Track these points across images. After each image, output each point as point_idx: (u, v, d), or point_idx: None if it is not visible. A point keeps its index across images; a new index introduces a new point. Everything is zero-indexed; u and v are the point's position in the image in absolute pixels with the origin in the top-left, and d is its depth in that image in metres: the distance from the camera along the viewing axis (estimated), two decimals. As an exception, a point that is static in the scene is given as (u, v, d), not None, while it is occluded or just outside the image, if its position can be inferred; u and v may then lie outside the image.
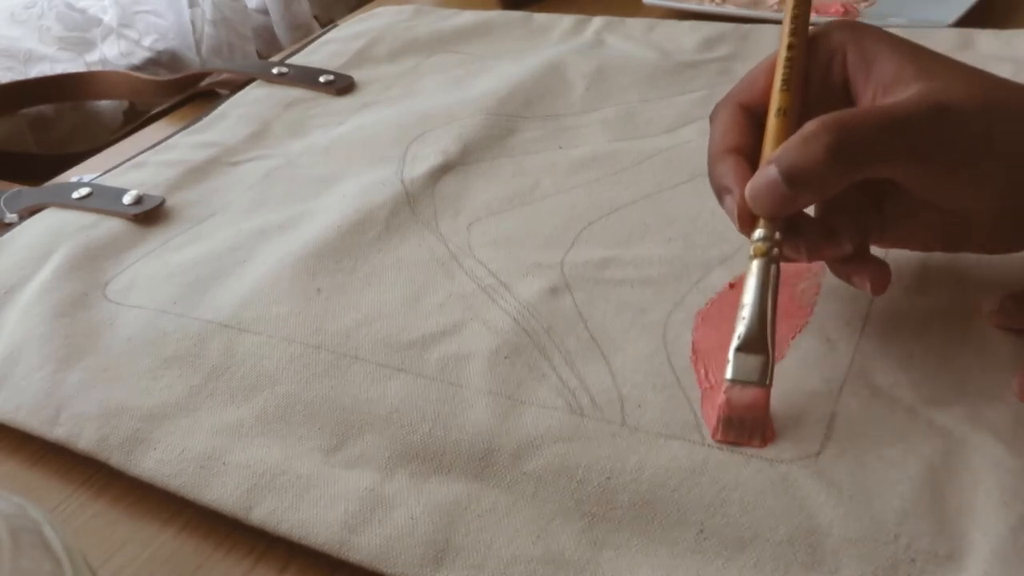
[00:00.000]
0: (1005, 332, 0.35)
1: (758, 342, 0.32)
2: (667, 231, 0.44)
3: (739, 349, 0.32)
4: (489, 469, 0.33)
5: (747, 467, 0.31)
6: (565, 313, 0.39)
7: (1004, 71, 0.47)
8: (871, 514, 0.29)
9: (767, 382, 0.32)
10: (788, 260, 0.34)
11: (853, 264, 0.35)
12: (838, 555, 0.28)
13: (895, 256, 0.39)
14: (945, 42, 0.56)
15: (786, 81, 0.34)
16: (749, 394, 0.32)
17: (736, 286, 0.39)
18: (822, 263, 0.40)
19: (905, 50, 0.33)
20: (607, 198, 0.47)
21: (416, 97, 0.61)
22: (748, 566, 0.29)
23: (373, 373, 0.37)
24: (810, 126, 0.31)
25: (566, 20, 0.69)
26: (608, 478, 0.32)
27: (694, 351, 0.36)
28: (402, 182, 0.50)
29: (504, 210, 0.47)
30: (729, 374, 0.32)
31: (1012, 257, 0.38)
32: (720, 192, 0.34)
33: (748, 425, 0.32)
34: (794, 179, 0.31)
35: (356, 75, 0.64)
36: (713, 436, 0.33)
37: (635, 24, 0.67)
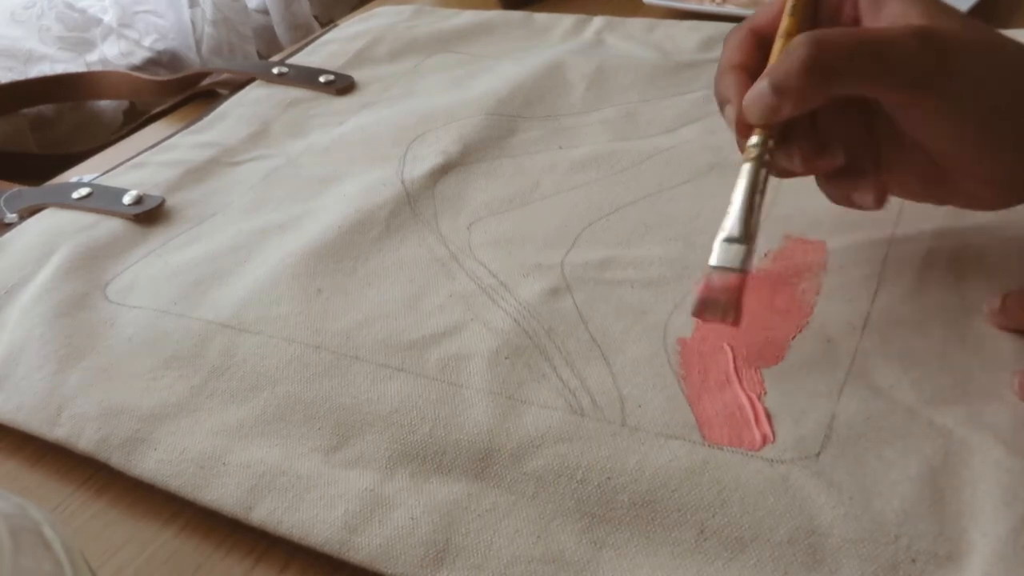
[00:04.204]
0: (1005, 332, 0.35)
1: (742, 232, 0.34)
2: (667, 231, 0.44)
3: (725, 240, 0.34)
4: (489, 469, 0.33)
5: (747, 467, 0.31)
6: (565, 314, 0.39)
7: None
8: (871, 514, 0.29)
9: (744, 268, 0.34)
10: (785, 173, 0.37)
11: (851, 180, 0.36)
12: (838, 555, 0.28)
13: (896, 258, 0.39)
14: (945, 42, 0.56)
15: (794, 7, 0.36)
16: (727, 277, 0.34)
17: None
18: (824, 263, 0.40)
19: None
20: (607, 198, 0.47)
21: (416, 97, 0.61)
22: (748, 566, 0.29)
23: (373, 373, 0.37)
24: (796, 39, 0.33)
25: (566, 20, 0.69)
26: (608, 478, 0.32)
27: (691, 352, 0.36)
28: (402, 182, 0.50)
29: (504, 210, 0.47)
30: (713, 260, 0.34)
31: (1012, 257, 0.38)
32: (722, 102, 0.37)
33: (722, 306, 0.34)
34: (776, 88, 0.33)
35: (356, 75, 0.64)
36: (693, 313, 0.35)
37: (635, 24, 0.67)
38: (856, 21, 0.36)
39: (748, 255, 0.34)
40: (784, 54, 0.33)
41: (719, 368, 0.35)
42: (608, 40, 0.65)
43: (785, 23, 0.36)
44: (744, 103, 0.34)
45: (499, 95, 0.57)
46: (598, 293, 0.40)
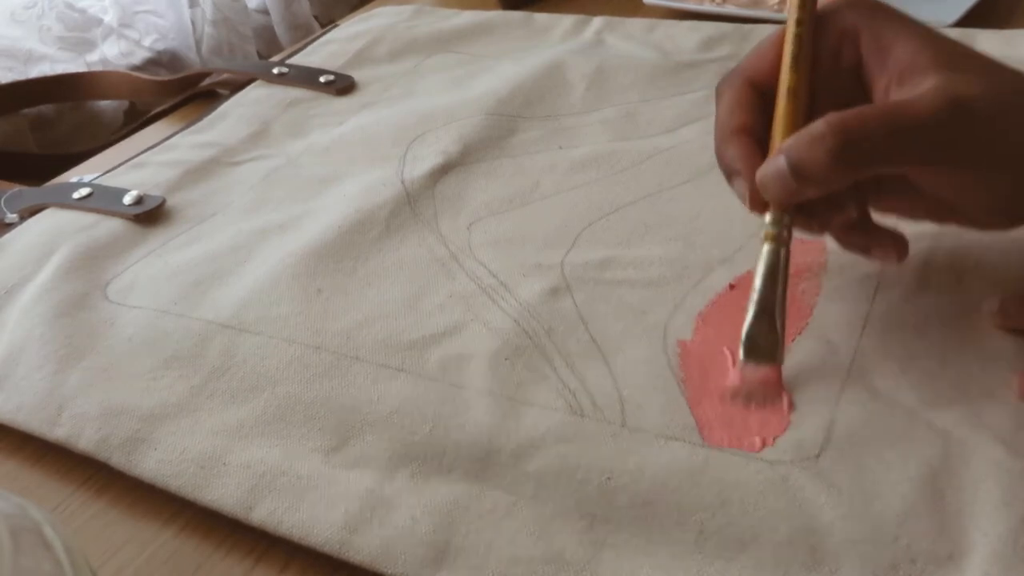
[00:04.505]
0: (1005, 332, 0.35)
1: (768, 325, 0.33)
2: (667, 231, 0.44)
3: (751, 331, 0.34)
4: (489, 470, 0.33)
5: (747, 468, 0.31)
6: (565, 314, 0.39)
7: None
8: (871, 515, 0.29)
9: (777, 360, 0.34)
10: (800, 230, 0.35)
11: (867, 236, 0.36)
12: (838, 556, 0.28)
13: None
14: (945, 42, 0.56)
15: (795, 58, 0.34)
16: (761, 371, 0.34)
17: (736, 287, 0.39)
18: (824, 263, 0.40)
19: (923, 36, 0.33)
20: (607, 198, 0.47)
21: (416, 97, 0.61)
22: (748, 567, 0.29)
23: (373, 374, 0.37)
24: (817, 126, 0.31)
25: (566, 20, 0.69)
26: (608, 479, 0.32)
27: (691, 353, 0.36)
28: (402, 182, 0.50)
29: (504, 210, 0.47)
30: (742, 354, 0.34)
31: (1012, 257, 0.38)
32: (729, 174, 0.35)
33: (760, 396, 0.34)
34: (799, 175, 0.31)
35: (356, 75, 0.64)
36: (733, 403, 0.34)
37: (635, 24, 0.67)
38: (858, 65, 0.34)
39: (779, 347, 0.33)
40: (808, 141, 0.31)
41: (720, 369, 0.35)
42: (608, 40, 0.65)
43: (788, 79, 0.34)
44: (760, 182, 0.33)
45: (499, 95, 0.57)
46: (598, 293, 0.40)
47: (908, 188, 0.34)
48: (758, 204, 0.34)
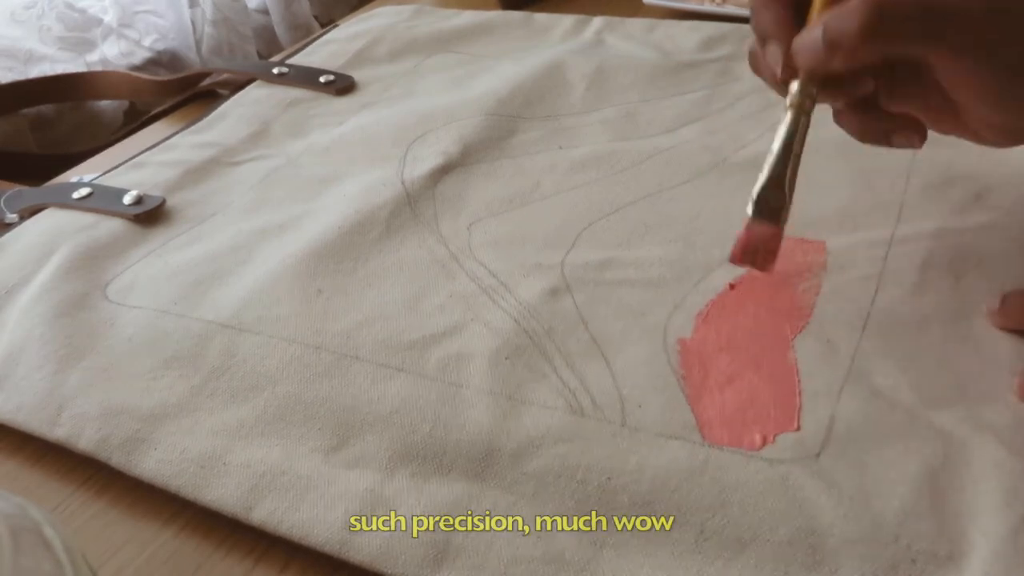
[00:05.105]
0: (1005, 332, 0.35)
1: (779, 187, 0.35)
2: (667, 232, 0.44)
3: (762, 191, 0.35)
4: (489, 469, 0.33)
5: (747, 468, 0.31)
6: (566, 314, 0.39)
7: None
8: (871, 515, 0.29)
9: (781, 223, 0.35)
10: (825, 101, 0.36)
11: (887, 122, 0.36)
12: (838, 556, 0.28)
13: (896, 258, 0.39)
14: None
15: None
16: (767, 230, 0.36)
17: (736, 287, 0.39)
18: (824, 263, 0.40)
19: None
20: (607, 198, 0.47)
21: (416, 97, 0.61)
22: (748, 567, 0.29)
23: (374, 373, 0.37)
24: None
25: (566, 20, 0.69)
26: (608, 478, 0.32)
27: (691, 352, 0.36)
28: (402, 183, 0.50)
29: (504, 211, 0.47)
30: (751, 211, 0.36)
31: (1012, 257, 0.38)
32: (763, 38, 0.36)
33: (760, 256, 0.36)
34: (831, 44, 0.32)
35: (356, 75, 0.64)
36: (732, 260, 0.37)
37: (635, 24, 0.67)
38: None
39: (785, 210, 0.35)
40: (846, 11, 0.32)
41: (720, 369, 0.35)
42: (608, 40, 0.65)
43: None
44: (795, 48, 0.34)
45: (499, 95, 0.57)
46: (598, 293, 0.40)
47: (924, 82, 0.34)
48: (788, 71, 0.35)
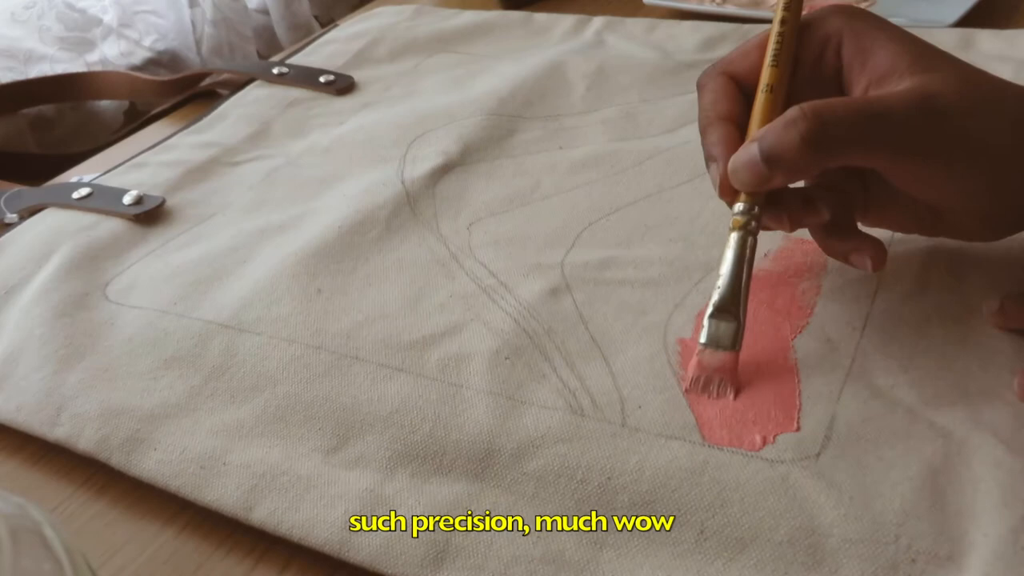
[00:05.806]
0: (1005, 332, 0.35)
1: (730, 310, 0.34)
2: (668, 231, 0.44)
3: (712, 316, 0.34)
4: (489, 469, 0.33)
5: (747, 468, 0.31)
6: (566, 314, 0.39)
7: (1006, 71, 0.47)
8: (871, 515, 0.29)
9: (736, 347, 0.34)
10: (769, 229, 0.36)
11: (848, 242, 0.36)
12: (838, 556, 0.28)
13: (896, 258, 0.39)
14: (946, 42, 0.56)
15: (776, 56, 0.35)
16: (719, 357, 0.34)
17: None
18: (824, 263, 0.40)
19: (903, 41, 0.33)
20: (607, 198, 0.47)
21: (416, 97, 0.61)
22: (749, 566, 0.29)
23: (373, 373, 0.37)
24: (792, 112, 0.31)
25: (566, 20, 0.69)
26: (608, 478, 0.32)
27: (691, 352, 0.36)
28: (402, 182, 0.50)
29: (504, 210, 0.47)
30: (702, 339, 0.34)
31: (1012, 257, 0.38)
32: (708, 159, 0.35)
33: (717, 384, 0.34)
34: (771, 160, 0.32)
35: (356, 75, 0.64)
36: (687, 391, 0.34)
37: (635, 24, 0.67)
38: (838, 70, 0.35)
39: (739, 333, 0.34)
40: (781, 126, 0.31)
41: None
42: (608, 40, 0.65)
43: (768, 75, 0.35)
44: (731, 168, 0.33)
45: (499, 95, 0.57)
46: (598, 293, 0.40)
47: (895, 198, 0.35)
48: (727, 191, 0.34)
